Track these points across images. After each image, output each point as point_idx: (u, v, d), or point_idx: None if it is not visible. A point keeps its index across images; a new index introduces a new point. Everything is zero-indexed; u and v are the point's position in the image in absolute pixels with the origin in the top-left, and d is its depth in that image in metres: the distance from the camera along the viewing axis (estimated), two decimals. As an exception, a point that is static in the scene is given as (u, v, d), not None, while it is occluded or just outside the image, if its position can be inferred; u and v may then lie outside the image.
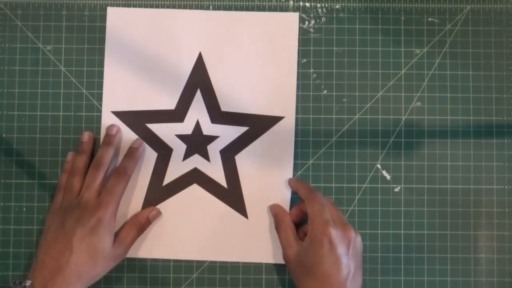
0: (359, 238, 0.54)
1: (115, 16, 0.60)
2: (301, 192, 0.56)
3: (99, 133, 0.60)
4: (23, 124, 0.60)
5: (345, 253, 0.51)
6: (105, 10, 0.61)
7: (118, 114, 0.60)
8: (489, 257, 0.59)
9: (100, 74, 0.60)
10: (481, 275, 0.59)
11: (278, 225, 0.57)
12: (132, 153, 0.58)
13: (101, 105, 0.60)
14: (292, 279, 0.54)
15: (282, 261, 0.58)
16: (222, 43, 0.60)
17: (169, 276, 0.59)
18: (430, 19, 0.61)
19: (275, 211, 0.58)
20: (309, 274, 0.52)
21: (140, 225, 0.57)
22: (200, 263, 0.59)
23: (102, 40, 0.60)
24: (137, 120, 0.60)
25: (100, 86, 0.60)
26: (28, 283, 0.51)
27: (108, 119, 0.60)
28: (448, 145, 0.60)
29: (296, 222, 0.57)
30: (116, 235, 0.56)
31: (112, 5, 0.61)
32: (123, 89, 0.60)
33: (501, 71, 0.60)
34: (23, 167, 0.59)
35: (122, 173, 0.56)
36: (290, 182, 0.58)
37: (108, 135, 0.58)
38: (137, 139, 0.59)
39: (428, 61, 0.60)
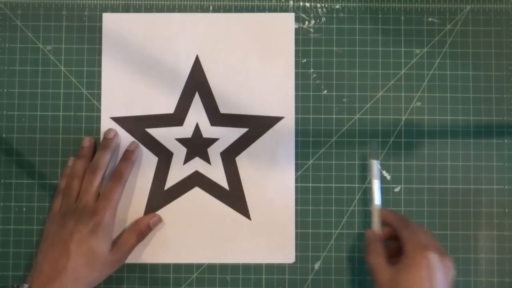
0: (452, 265, 0.52)
1: (111, 22, 0.60)
2: (391, 220, 0.55)
3: (99, 133, 0.60)
4: (23, 124, 0.60)
5: (442, 280, 0.50)
6: (105, 10, 0.61)
7: (117, 120, 0.60)
8: (489, 257, 0.59)
9: (100, 74, 0.60)
10: (481, 275, 0.59)
11: (370, 251, 0.54)
12: (128, 156, 0.58)
13: (101, 104, 0.60)
14: None
15: (283, 261, 0.58)
16: (218, 45, 0.60)
17: (169, 276, 0.59)
18: (430, 19, 0.61)
19: (369, 237, 0.55)
20: None
21: (140, 231, 0.57)
22: (200, 263, 0.59)
23: (102, 40, 0.60)
24: (136, 125, 0.60)
25: (100, 86, 0.60)
26: (25, 287, 0.51)
27: (107, 125, 0.60)
28: (448, 145, 0.60)
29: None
30: (116, 240, 0.56)
31: (111, 5, 0.61)
32: (121, 95, 0.60)
33: (501, 71, 0.60)
34: (23, 167, 0.60)
35: (118, 176, 0.56)
36: (382, 212, 0.56)
37: (105, 139, 0.58)
38: (132, 142, 0.59)
39: (428, 61, 0.60)
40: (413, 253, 0.50)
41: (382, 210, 0.57)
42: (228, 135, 0.60)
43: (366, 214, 0.59)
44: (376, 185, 0.57)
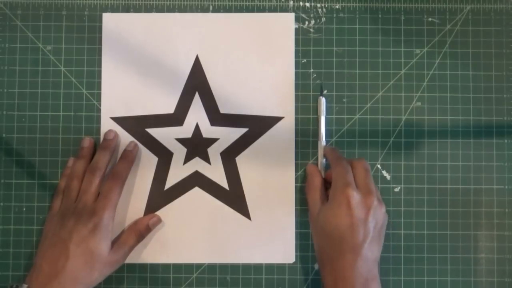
0: (383, 209, 0.53)
1: (111, 22, 0.60)
2: (329, 157, 0.57)
3: (99, 134, 0.60)
4: (23, 124, 0.60)
5: (362, 218, 0.51)
6: (105, 10, 0.61)
7: (117, 120, 0.60)
8: (489, 257, 0.59)
9: (100, 74, 0.60)
10: (481, 275, 0.59)
11: (308, 185, 0.57)
12: (127, 156, 0.58)
13: (101, 104, 0.60)
14: (312, 237, 0.55)
15: (283, 261, 0.58)
16: (218, 45, 0.60)
17: (169, 276, 0.59)
18: (430, 19, 0.61)
19: (309, 171, 0.58)
20: (326, 234, 0.52)
21: (140, 232, 0.57)
22: (200, 263, 0.59)
23: (102, 40, 0.60)
24: (136, 125, 0.60)
25: (100, 86, 0.60)
26: (24, 287, 0.51)
27: (107, 125, 0.60)
28: (448, 145, 0.60)
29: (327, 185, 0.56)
30: (115, 241, 0.56)
31: (111, 5, 0.61)
32: (121, 95, 0.60)
33: (501, 71, 0.60)
34: (23, 167, 0.60)
35: (117, 176, 0.56)
36: (324, 149, 0.58)
37: (105, 140, 0.58)
38: (131, 141, 0.59)
39: (428, 61, 0.60)
40: (335, 191, 0.52)
41: (324, 147, 0.58)
42: (228, 135, 0.60)
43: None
44: (323, 122, 0.59)
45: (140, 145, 0.60)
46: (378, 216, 0.52)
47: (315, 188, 0.56)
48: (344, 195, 0.51)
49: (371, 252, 0.51)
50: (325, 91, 0.60)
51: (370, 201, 0.52)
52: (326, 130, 0.60)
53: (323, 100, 0.59)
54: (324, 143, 0.59)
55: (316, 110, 0.60)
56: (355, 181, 0.53)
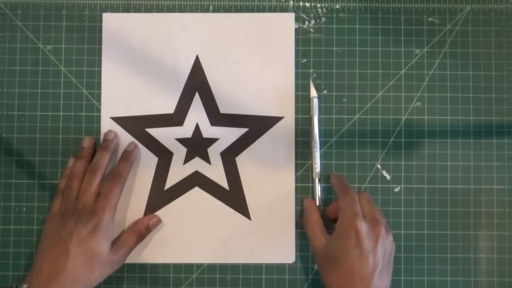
0: (390, 238, 0.53)
1: (111, 22, 0.60)
2: (335, 186, 0.57)
3: (99, 134, 0.60)
4: (23, 124, 0.60)
5: (371, 248, 0.51)
6: (105, 10, 0.61)
7: (117, 120, 0.60)
8: (489, 257, 0.59)
9: (100, 74, 0.60)
10: (481, 275, 0.59)
11: (306, 220, 0.57)
12: (127, 156, 0.58)
13: (101, 104, 0.60)
14: (319, 270, 0.55)
15: (283, 261, 0.58)
16: (218, 45, 0.60)
17: (169, 276, 0.59)
18: (430, 19, 0.61)
19: (306, 206, 0.58)
20: (334, 266, 0.52)
21: (140, 232, 0.57)
22: (200, 263, 0.59)
23: (101, 40, 0.60)
24: (136, 125, 0.60)
25: (100, 86, 0.60)
26: (24, 287, 0.51)
27: (107, 125, 0.60)
28: (448, 145, 0.60)
29: (333, 218, 0.57)
30: (115, 241, 0.56)
31: (111, 5, 0.61)
32: (121, 95, 0.60)
33: (501, 71, 0.60)
34: (23, 167, 0.60)
35: (117, 177, 0.56)
36: (331, 176, 0.58)
37: (105, 140, 0.58)
38: (131, 142, 0.59)
39: (428, 61, 0.60)
40: (343, 223, 0.52)
41: (331, 174, 0.59)
42: (228, 135, 0.60)
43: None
44: (316, 122, 0.59)
45: (140, 145, 0.60)
46: (386, 245, 0.53)
47: (314, 222, 0.56)
48: (353, 226, 0.52)
49: (381, 281, 0.51)
50: (325, 91, 0.60)
51: (378, 231, 0.52)
52: (326, 130, 0.60)
53: (315, 101, 0.59)
54: (318, 143, 0.59)
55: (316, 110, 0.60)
56: (362, 211, 0.53)
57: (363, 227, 0.52)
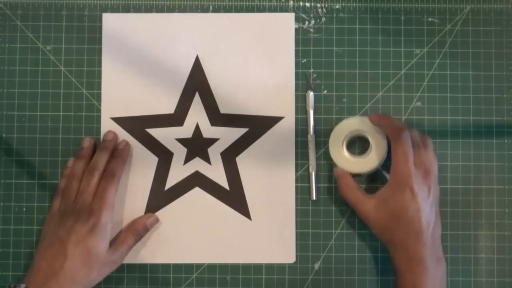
0: (437, 185, 0.55)
1: (111, 22, 0.60)
2: (387, 131, 0.57)
3: (99, 134, 0.60)
4: (23, 124, 0.60)
5: (425, 199, 0.53)
6: (105, 10, 0.61)
7: (117, 120, 0.60)
8: (489, 257, 0.59)
9: (100, 74, 0.60)
10: (481, 275, 0.59)
11: (343, 187, 0.57)
12: (119, 154, 0.58)
13: (101, 105, 0.60)
14: (375, 232, 0.56)
15: (283, 261, 0.58)
16: (218, 46, 0.60)
17: (169, 276, 0.59)
18: (430, 19, 0.61)
19: (338, 174, 0.58)
20: (394, 220, 0.53)
21: (138, 231, 0.57)
22: (200, 263, 0.59)
23: (101, 40, 0.60)
24: (136, 125, 0.60)
25: (100, 86, 0.60)
26: (22, 286, 0.51)
27: (107, 125, 0.60)
28: (448, 145, 0.60)
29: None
30: (113, 241, 0.56)
31: (111, 5, 0.61)
32: (121, 95, 0.60)
33: (501, 71, 0.60)
34: (23, 167, 0.60)
35: (110, 176, 0.56)
36: (371, 117, 0.58)
37: (104, 141, 0.58)
38: (122, 140, 0.59)
39: (428, 61, 0.60)
40: (397, 177, 0.54)
41: (371, 115, 0.57)
42: (228, 135, 0.60)
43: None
44: (311, 115, 0.59)
45: (140, 145, 0.60)
46: (436, 193, 0.55)
47: (352, 187, 0.57)
48: (407, 184, 0.53)
49: (437, 228, 0.55)
50: (325, 91, 0.60)
51: (430, 181, 0.54)
52: (326, 130, 0.60)
53: (311, 94, 0.59)
54: (314, 137, 0.59)
55: (316, 110, 0.60)
56: (414, 158, 0.54)
57: (416, 182, 0.53)
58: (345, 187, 0.57)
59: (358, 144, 0.60)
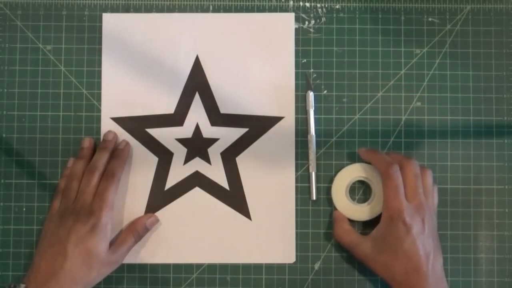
0: (433, 215, 0.55)
1: (111, 22, 0.60)
2: (376, 165, 0.56)
3: (99, 134, 0.60)
4: (23, 124, 0.60)
5: (420, 231, 0.53)
6: (105, 10, 0.61)
7: (117, 120, 0.60)
8: (489, 257, 0.59)
9: (100, 74, 0.60)
10: (481, 275, 0.59)
11: (338, 231, 0.57)
12: (119, 154, 0.58)
13: (101, 105, 0.60)
14: (374, 269, 0.55)
15: (283, 261, 0.58)
16: (218, 46, 0.60)
17: (169, 276, 0.59)
18: (430, 19, 0.61)
19: (336, 217, 0.58)
20: (392, 256, 0.53)
21: (137, 232, 0.57)
22: (200, 263, 0.59)
23: (101, 40, 0.60)
24: (136, 125, 0.60)
25: (100, 86, 0.60)
26: (22, 286, 0.51)
27: (107, 125, 0.60)
28: (448, 145, 0.60)
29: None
30: (113, 241, 0.56)
31: (111, 5, 0.61)
32: (121, 95, 0.60)
33: (501, 71, 0.60)
34: (23, 167, 0.60)
35: (110, 175, 0.56)
36: (360, 152, 0.58)
37: (104, 141, 0.58)
38: (122, 140, 0.59)
39: (428, 61, 0.60)
40: (389, 214, 0.53)
41: (361, 150, 0.58)
42: (228, 135, 0.60)
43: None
44: (312, 115, 0.59)
45: (140, 146, 0.60)
46: (432, 223, 0.54)
47: (347, 231, 0.57)
48: (400, 218, 0.53)
49: (438, 259, 0.54)
50: (325, 91, 0.60)
51: (423, 212, 0.53)
52: (326, 130, 0.60)
53: (311, 94, 0.59)
54: (314, 137, 0.59)
55: (316, 110, 0.60)
56: (405, 189, 0.54)
57: (409, 216, 0.53)
58: (341, 231, 0.57)
59: (362, 189, 0.60)
